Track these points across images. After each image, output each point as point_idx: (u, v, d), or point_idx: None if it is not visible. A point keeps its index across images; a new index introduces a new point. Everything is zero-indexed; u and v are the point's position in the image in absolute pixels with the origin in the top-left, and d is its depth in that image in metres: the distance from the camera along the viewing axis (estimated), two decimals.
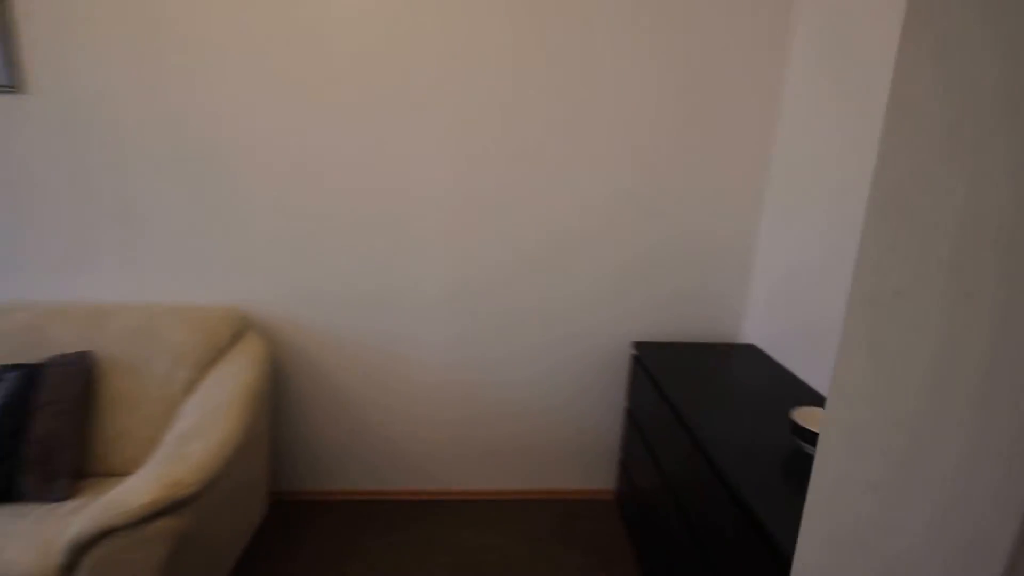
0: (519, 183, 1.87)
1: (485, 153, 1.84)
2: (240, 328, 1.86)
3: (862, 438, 0.53)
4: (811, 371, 1.66)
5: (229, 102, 1.75)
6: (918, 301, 0.47)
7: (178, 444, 1.38)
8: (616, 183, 1.88)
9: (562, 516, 2.11)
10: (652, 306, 2.02)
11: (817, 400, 1.56)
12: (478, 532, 2.01)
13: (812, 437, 1.26)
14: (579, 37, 1.76)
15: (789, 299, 1.77)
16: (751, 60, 1.79)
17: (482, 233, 1.91)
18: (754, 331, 1.98)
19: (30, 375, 1.55)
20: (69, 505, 1.46)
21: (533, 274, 1.96)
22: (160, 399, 1.66)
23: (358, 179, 1.84)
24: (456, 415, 2.09)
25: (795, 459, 1.30)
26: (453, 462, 2.15)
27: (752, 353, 1.90)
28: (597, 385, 2.09)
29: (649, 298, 2.01)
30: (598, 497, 2.22)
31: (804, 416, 1.34)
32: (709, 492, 1.33)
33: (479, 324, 2.00)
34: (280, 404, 2.04)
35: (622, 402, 2.12)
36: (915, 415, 0.47)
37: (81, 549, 1.18)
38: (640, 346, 1.93)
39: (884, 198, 0.51)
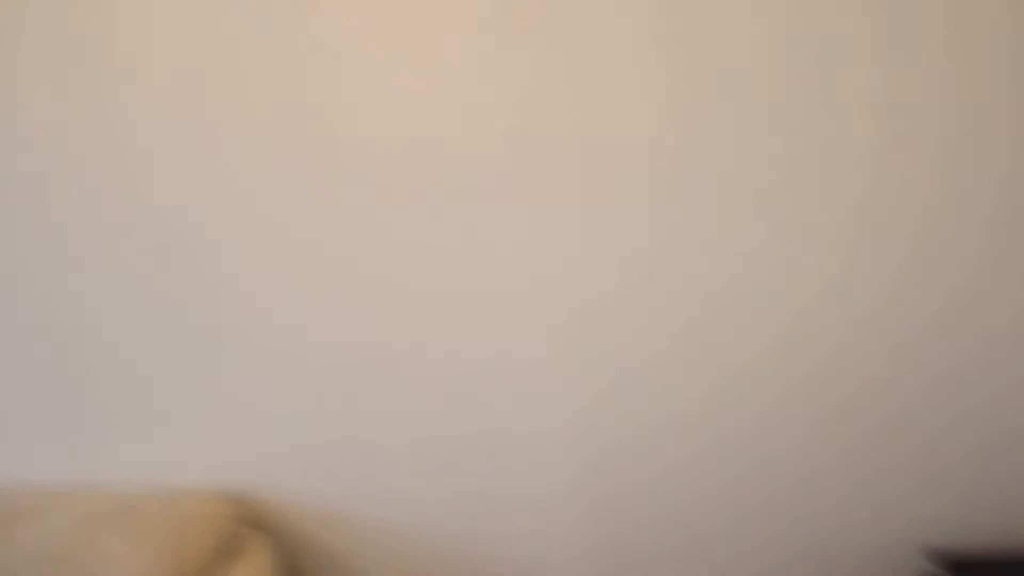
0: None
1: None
2: (233, 533, 1.13)
3: None
4: None
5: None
6: None
7: None
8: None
9: None
10: (950, 487, 1.09)
11: None
12: None
13: None
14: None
15: None
16: None
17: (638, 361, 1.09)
18: None
19: None
20: None
21: (739, 447, 1.12)
22: None
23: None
24: None
25: None
26: None
27: None
28: None
29: (943, 473, 1.09)
30: None
31: None
32: None
33: (638, 519, 1.16)
34: None
35: None
36: None
37: None
38: (942, 558, 1.01)
39: None
